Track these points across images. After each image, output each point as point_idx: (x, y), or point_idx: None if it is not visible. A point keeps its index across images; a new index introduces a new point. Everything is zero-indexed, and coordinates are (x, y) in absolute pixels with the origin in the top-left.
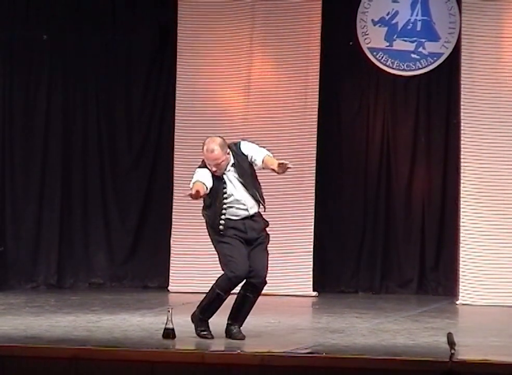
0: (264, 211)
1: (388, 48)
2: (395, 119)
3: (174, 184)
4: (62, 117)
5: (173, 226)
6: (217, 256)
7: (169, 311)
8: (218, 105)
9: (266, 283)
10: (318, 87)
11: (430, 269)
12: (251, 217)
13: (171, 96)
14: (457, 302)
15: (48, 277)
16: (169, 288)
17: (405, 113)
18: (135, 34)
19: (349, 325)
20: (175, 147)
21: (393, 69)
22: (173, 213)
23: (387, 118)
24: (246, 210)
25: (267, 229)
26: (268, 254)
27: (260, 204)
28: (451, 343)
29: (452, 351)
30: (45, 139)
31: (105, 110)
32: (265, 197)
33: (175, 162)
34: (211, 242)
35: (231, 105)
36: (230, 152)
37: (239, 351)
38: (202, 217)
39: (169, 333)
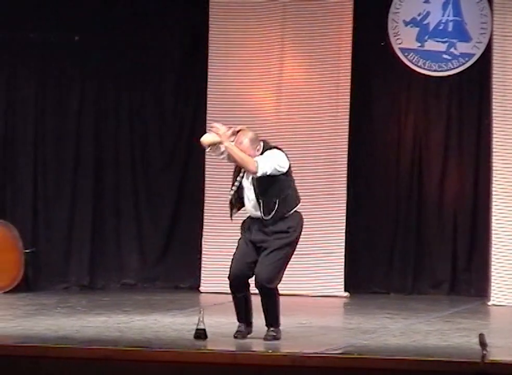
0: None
1: (420, 48)
2: (427, 119)
3: (205, 185)
4: (94, 118)
5: (204, 227)
6: None
7: (200, 312)
8: (249, 107)
9: (266, 286)
10: (349, 88)
11: (462, 269)
12: (262, 219)
13: (203, 98)
14: (489, 303)
15: (80, 278)
16: (200, 289)
17: (436, 114)
18: (167, 36)
19: (380, 326)
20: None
21: (425, 69)
22: (204, 214)
23: (419, 118)
24: (257, 211)
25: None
26: (278, 258)
27: (273, 212)
28: (483, 344)
29: (484, 352)
30: (77, 141)
31: (137, 111)
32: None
33: (206, 164)
34: None
35: (262, 107)
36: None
37: (270, 351)
38: (233, 218)
39: (200, 334)
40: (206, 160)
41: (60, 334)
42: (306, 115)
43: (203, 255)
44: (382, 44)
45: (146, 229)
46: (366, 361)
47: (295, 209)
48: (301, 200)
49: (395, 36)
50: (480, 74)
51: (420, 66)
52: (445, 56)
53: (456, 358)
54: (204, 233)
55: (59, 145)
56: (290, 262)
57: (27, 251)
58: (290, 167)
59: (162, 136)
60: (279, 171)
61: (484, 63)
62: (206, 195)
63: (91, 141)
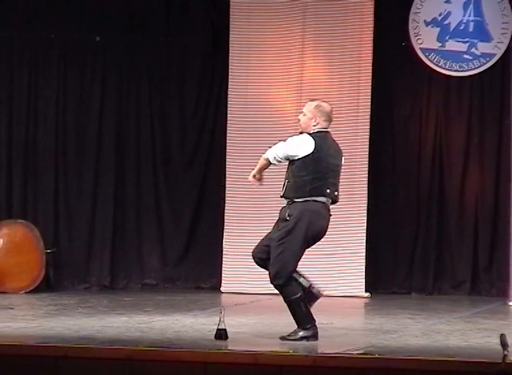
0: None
1: (441, 48)
2: (448, 120)
3: (227, 186)
4: (115, 119)
5: (225, 227)
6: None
7: (221, 312)
8: (270, 108)
9: (275, 284)
10: (370, 88)
11: (483, 270)
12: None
13: (224, 99)
14: (510, 303)
15: (101, 278)
16: (221, 289)
17: (457, 114)
18: (188, 37)
19: (402, 326)
20: (227, 149)
21: (446, 69)
22: (225, 214)
23: (440, 119)
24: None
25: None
26: (279, 252)
27: (284, 191)
28: (504, 344)
29: (506, 352)
30: (98, 141)
31: (159, 112)
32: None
33: (227, 164)
34: None
35: (283, 107)
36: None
37: (291, 352)
38: (254, 219)
39: (221, 334)
40: (227, 160)
41: (81, 334)
42: None
43: (224, 256)
44: (403, 44)
45: (167, 230)
46: (387, 361)
47: (305, 198)
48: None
49: (416, 36)
50: (501, 74)
51: (440, 67)
52: (466, 56)
53: (477, 358)
54: (225, 233)
55: (80, 145)
56: (310, 262)
57: (48, 251)
58: (314, 154)
59: (183, 137)
60: (290, 155)
61: (505, 63)
62: (227, 195)
63: (112, 141)
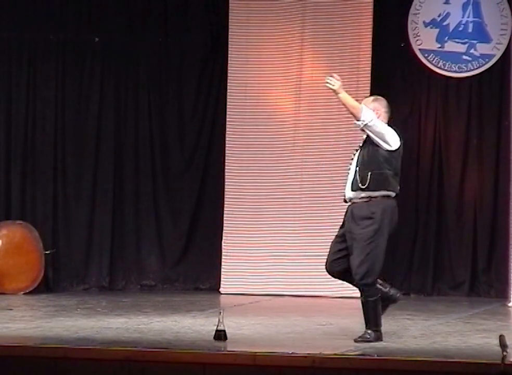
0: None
1: (440, 49)
2: (447, 120)
3: (226, 186)
4: (114, 119)
5: (224, 228)
6: (269, 258)
7: (220, 313)
8: (269, 109)
9: (364, 283)
10: (369, 89)
11: (481, 271)
12: (351, 201)
13: (223, 98)
14: (509, 304)
15: (99, 279)
16: (220, 290)
17: (456, 115)
18: (186, 37)
19: (400, 327)
20: (226, 150)
21: (445, 70)
22: (224, 215)
23: (439, 119)
24: (349, 185)
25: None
26: (365, 250)
27: (361, 185)
28: (503, 345)
29: (505, 353)
30: (97, 141)
31: (157, 112)
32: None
33: (226, 165)
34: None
35: (282, 109)
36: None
37: (290, 353)
38: (253, 220)
39: (220, 335)
40: (226, 161)
41: (80, 335)
42: (326, 117)
43: (223, 257)
44: (402, 45)
45: (166, 231)
46: (386, 363)
47: (385, 193)
48: (319, 201)
49: (415, 37)
50: (499, 75)
51: (440, 68)
52: (465, 57)
53: (476, 359)
54: (224, 234)
55: (79, 145)
56: (309, 264)
57: (47, 252)
58: (398, 150)
59: (182, 138)
60: (382, 139)
61: (504, 64)
62: (226, 196)
63: (111, 142)
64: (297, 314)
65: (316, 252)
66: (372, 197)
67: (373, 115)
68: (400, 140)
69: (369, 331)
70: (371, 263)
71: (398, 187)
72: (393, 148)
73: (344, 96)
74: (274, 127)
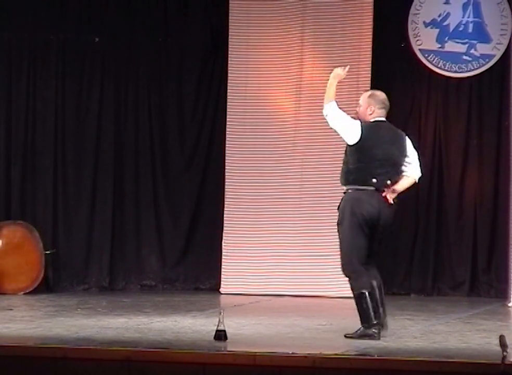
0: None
1: (440, 49)
2: (447, 121)
3: (226, 186)
4: (114, 119)
5: (224, 228)
6: (269, 259)
7: (220, 313)
8: (269, 108)
9: (345, 273)
10: (369, 89)
11: (482, 271)
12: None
13: (223, 99)
14: (509, 304)
15: (100, 279)
16: (220, 290)
17: (456, 115)
18: (186, 36)
19: (401, 327)
20: (227, 149)
21: (445, 70)
22: (225, 215)
23: (439, 120)
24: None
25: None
26: (340, 241)
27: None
28: (503, 345)
29: (505, 353)
30: (97, 142)
31: (157, 112)
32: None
33: (226, 164)
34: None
35: (282, 108)
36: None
37: (290, 353)
38: (254, 219)
39: (220, 335)
40: (227, 161)
41: (80, 335)
42: None
43: (223, 257)
44: (402, 45)
45: (166, 231)
46: (386, 363)
47: (351, 187)
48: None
49: (415, 37)
50: (500, 75)
51: (440, 68)
52: (465, 57)
53: (476, 360)
54: (224, 234)
55: (79, 145)
56: (309, 264)
57: (47, 252)
58: (364, 144)
59: (182, 137)
60: (341, 134)
61: (504, 64)
62: (226, 196)
63: (111, 142)
64: (297, 314)
65: (316, 252)
66: (345, 192)
67: (332, 110)
68: (363, 133)
69: (360, 327)
70: (343, 254)
71: (374, 180)
72: (350, 143)
73: (329, 83)
74: (274, 127)
